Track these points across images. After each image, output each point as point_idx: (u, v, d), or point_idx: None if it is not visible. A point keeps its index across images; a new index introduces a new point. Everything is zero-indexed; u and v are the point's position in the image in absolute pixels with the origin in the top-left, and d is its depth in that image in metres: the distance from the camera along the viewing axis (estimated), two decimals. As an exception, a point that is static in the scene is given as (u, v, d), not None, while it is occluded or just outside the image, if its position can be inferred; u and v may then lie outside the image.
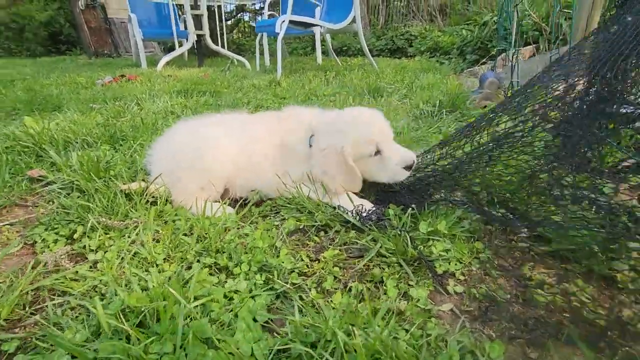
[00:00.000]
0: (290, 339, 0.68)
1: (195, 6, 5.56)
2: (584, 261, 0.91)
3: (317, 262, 0.97)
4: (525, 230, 1.07)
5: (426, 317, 0.76)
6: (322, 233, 1.11)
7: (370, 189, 1.30)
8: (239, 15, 11.77)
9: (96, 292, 0.84)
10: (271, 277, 0.88)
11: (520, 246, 1.01)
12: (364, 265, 0.94)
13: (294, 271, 0.92)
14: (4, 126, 2.09)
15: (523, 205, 1.10)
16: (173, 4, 6.30)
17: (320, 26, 4.64)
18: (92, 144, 1.84)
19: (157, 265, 0.93)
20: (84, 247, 1.02)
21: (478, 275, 0.91)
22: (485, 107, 2.43)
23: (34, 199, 1.36)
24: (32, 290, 0.86)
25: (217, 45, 6.12)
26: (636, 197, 1.18)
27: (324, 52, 5.99)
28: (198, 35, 5.68)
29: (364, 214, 1.09)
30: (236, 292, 0.83)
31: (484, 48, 5.04)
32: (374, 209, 1.12)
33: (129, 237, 1.04)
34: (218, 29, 6.79)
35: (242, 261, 0.92)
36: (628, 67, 0.76)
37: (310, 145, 1.26)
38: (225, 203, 1.26)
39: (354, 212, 1.11)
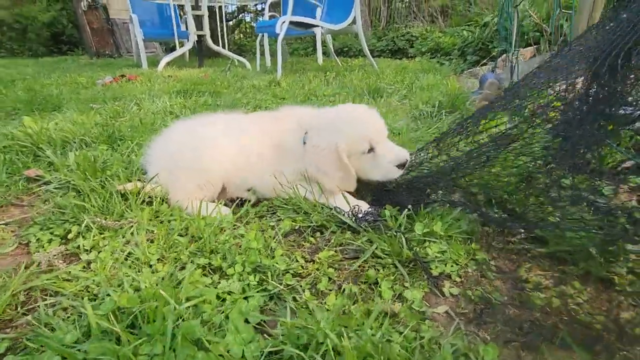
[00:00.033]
0: (282, 341, 0.67)
1: (196, 7, 5.57)
2: (582, 263, 0.90)
3: (312, 263, 0.96)
4: (523, 231, 1.06)
5: (419, 319, 0.75)
6: (318, 234, 1.10)
7: (367, 190, 1.29)
8: (241, 16, 11.78)
9: (89, 292, 0.84)
10: (265, 278, 0.87)
11: (518, 248, 1.00)
12: (359, 267, 0.93)
13: (288, 272, 0.91)
14: (3, 126, 2.09)
15: (521, 207, 1.09)
16: (174, 5, 6.31)
17: (321, 27, 4.64)
18: (90, 143, 1.83)
19: (150, 266, 0.93)
20: (78, 247, 1.01)
21: (474, 277, 0.90)
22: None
23: (30, 199, 1.36)
24: (24, 290, 0.85)
25: (218, 45, 6.13)
26: (635, 198, 1.17)
27: (325, 53, 5.98)
28: (199, 36, 5.68)
29: (360, 215, 1.08)
30: (229, 293, 0.82)
31: (485, 49, 5.03)
32: (370, 209, 1.11)
33: (123, 237, 1.04)
34: (219, 29, 6.80)
35: (236, 262, 0.91)
36: (617, 64, 0.75)
37: (304, 143, 1.25)
38: (221, 203, 1.25)
39: (350, 213, 1.10)
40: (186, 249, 0.98)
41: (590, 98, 1.11)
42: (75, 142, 1.81)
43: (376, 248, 0.96)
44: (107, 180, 1.32)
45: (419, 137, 1.91)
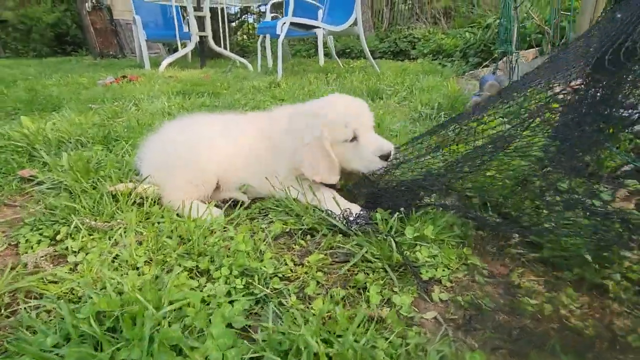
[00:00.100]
0: (263, 347, 0.65)
1: (198, 8, 5.58)
2: (576, 269, 0.89)
3: (301, 266, 0.95)
4: (517, 236, 1.04)
5: (404, 325, 0.73)
6: (308, 237, 1.09)
7: (360, 193, 1.27)
8: (244, 17, 11.81)
9: (73, 294, 0.83)
10: (252, 281, 0.86)
11: (511, 252, 0.98)
12: (348, 271, 0.92)
13: (276, 275, 0.90)
14: (1, 126, 2.09)
15: (516, 210, 1.07)
16: (177, 6, 6.32)
17: (322, 28, 4.63)
18: (86, 144, 1.83)
19: (137, 268, 0.92)
20: (67, 248, 1.01)
21: (465, 282, 0.88)
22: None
23: (23, 199, 1.35)
24: (9, 292, 0.85)
25: (220, 46, 6.14)
26: (634, 203, 1.15)
27: (327, 54, 5.98)
28: (201, 37, 5.69)
29: (351, 218, 1.07)
30: (214, 296, 0.81)
31: (487, 51, 5.00)
32: (361, 212, 1.09)
33: (110, 239, 1.03)
34: (221, 30, 6.80)
35: (223, 265, 0.90)
36: (606, 60, 0.73)
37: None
38: (212, 204, 1.25)
39: (341, 215, 1.09)
40: (174, 251, 0.97)
41: (588, 99, 1.09)
42: (70, 143, 1.81)
43: (366, 252, 0.95)
44: (99, 181, 1.31)
45: (417, 139, 1.89)
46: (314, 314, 0.76)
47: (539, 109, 1.09)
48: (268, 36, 5.12)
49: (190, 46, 5.75)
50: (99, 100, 2.94)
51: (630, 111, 1.05)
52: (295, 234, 1.09)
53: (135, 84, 3.83)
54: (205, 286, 0.85)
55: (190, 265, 0.92)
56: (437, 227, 0.99)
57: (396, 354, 0.67)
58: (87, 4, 9.42)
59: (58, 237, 1.06)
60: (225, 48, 6.37)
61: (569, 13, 2.42)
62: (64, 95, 3.23)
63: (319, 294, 0.85)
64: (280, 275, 0.90)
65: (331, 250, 1.01)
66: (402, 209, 1.04)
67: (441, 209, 1.07)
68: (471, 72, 4.59)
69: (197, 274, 0.91)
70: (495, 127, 1.10)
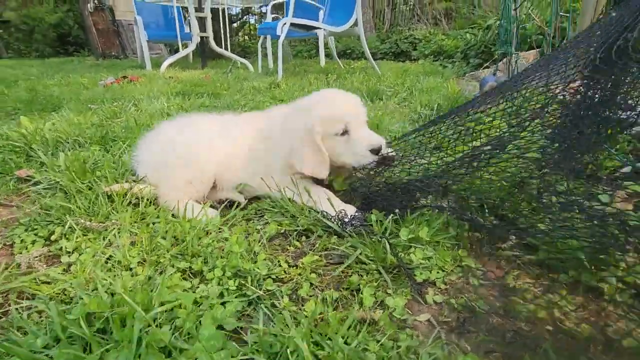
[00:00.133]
0: (255, 349, 0.65)
1: (199, 9, 5.59)
2: (572, 271, 0.88)
3: (295, 268, 0.94)
4: (513, 238, 1.03)
5: (397, 327, 0.72)
6: (303, 238, 1.08)
7: (356, 194, 1.27)
8: (245, 17, 11.83)
9: (65, 295, 0.83)
10: (245, 283, 0.86)
11: (507, 254, 0.97)
12: (342, 272, 0.91)
13: (269, 277, 0.89)
14: (0, 126, 2.10)
15: (513, 212, 1.07)
16: (178, 6, 6.33)
17: (323, 29, 4.63)
18: (83, 144, 1.83)
19: (130, 269, 0.92)
20: (61, 248, 1.00)
21: (459, 285, 0.87)
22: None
23: (19, 199, 1.35)
24: (1, 292, 0.84)
25: (221, 47, 6.15)
26: (633, 204, 1.14)
27: (328, 55, 5.98)
28: (202, 37, 5.70)
29: (346, 220, 1.06)
30: (207, 298, 0.80)
31: (488, 52, 4.99)
32: (356, 214, 1.09)
33: (104, 239, 1.03)
34: (222, 31, 6.81)
35: (216, 266, 0.89)
36: (597, 58, 0.73)
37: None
38: (207, 205, 1.24)
39: (336, 217, 1.09)
40: (168, 252, 0.96)
41: (586, 99, 1.09)
42: (68, 143, 1.81)
43: (360, 253, 0.94)
44: (94, 182, 1.31)
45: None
46: (305, 316, 0.76)
47: (536, 112, 1.09)
48: (269, 37, 5.12)
49: (192, 47, 5.76)
50: (99, 101, 2.95)
51: (628, 113, 1.04)
52: (290, 235, 1.09)
53: (136, 85, 3.83)
54: (198, 287, 0.84)
55: (184, 266, 0.92)
56: (432, 229, 0.99)
57: (387, 356, 0.66)
58: (89, 5, 9.46)
59: (52, 238, 1.06)
60: (226, 49, 6.38)
61: (567, 14, 2.41)
62: (65, 95, 3.24)
63: (312, 296, 0.84)
64: (273, 276, 0.90)
65: (326, 252, 1.00)
66: (397, 210, 1.04)
67: (437, 210, 1.06)
68: (472, 73, 4.58)
69: (191, 275, 0.91)
70: (491, 128, 1.10)
